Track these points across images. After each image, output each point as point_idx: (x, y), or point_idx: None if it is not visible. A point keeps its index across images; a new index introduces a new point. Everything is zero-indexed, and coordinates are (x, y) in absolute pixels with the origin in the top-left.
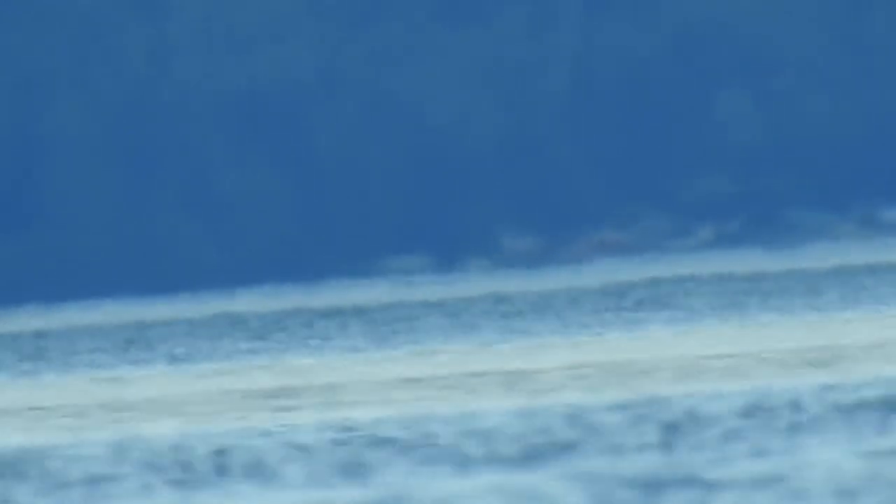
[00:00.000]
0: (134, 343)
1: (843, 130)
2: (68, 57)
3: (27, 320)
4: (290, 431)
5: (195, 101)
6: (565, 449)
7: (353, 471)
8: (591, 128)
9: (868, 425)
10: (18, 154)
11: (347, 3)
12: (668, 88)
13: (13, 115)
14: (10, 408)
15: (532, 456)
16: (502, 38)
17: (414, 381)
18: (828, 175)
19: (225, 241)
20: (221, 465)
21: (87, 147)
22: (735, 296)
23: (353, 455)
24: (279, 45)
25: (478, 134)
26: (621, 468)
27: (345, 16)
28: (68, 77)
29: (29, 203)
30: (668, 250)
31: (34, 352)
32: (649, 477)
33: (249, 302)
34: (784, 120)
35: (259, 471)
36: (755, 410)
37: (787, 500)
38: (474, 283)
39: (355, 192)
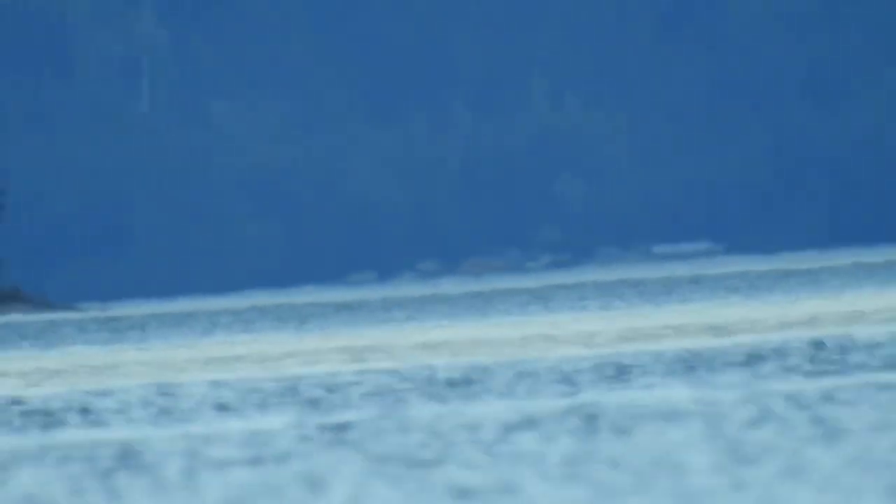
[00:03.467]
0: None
1: (629, 198)
2: (145, 154)
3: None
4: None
5: (227, 179)
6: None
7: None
8: (475, 195)
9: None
10: (121, 206)
11: (315, 119)
12: (523, 168)
13: (116, 186)
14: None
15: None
16: (417, 133)
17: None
18: (622, 225)
19: (239, 265)
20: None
21: (165, 201)
22: (546, 299)
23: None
24: (273, 142)
25: (396, 198)
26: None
27: (315, 119)
28: (152, 170)
29: (126, 231)
30: (521, 271)
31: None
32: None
33: (297, 294)
34: (594, 190)
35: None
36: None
37: None
38: (403, 289)
39: (323, 232)
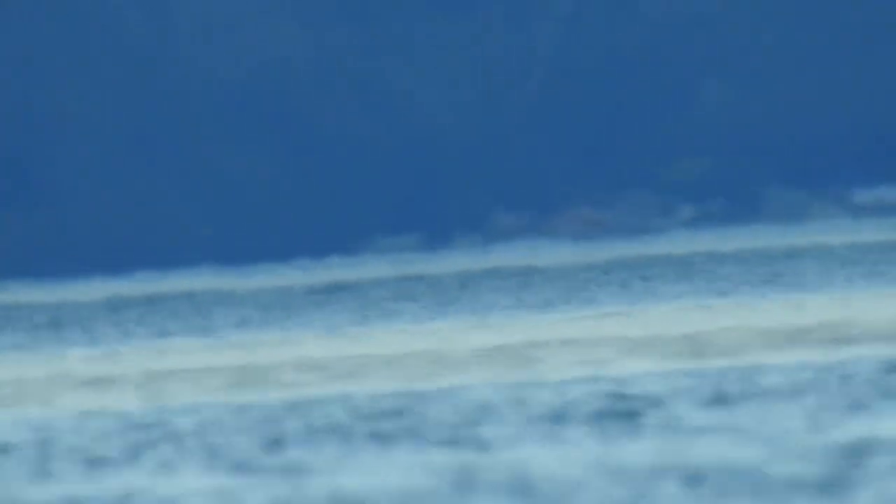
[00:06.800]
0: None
1: (820, 113)
2: (72, 41)
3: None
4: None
5: (195, 84)
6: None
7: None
8: (575, 111)
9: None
10: (23, 135)
11: None
12: (647, 74)
13: (16, 97)
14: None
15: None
16: (491, 27)
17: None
18: (804, 156)
19: (221, 220)
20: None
21: (90, 128)
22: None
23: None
24: (277, 33)
25: (468, 117)
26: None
27: (340, 4)
28: (72, 61)
29: (33, 183)
30: (649, 229)
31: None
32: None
33: (242, 279)
34: (761, 103)
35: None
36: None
37: None
38: (465, 258)
39: (351, 174)
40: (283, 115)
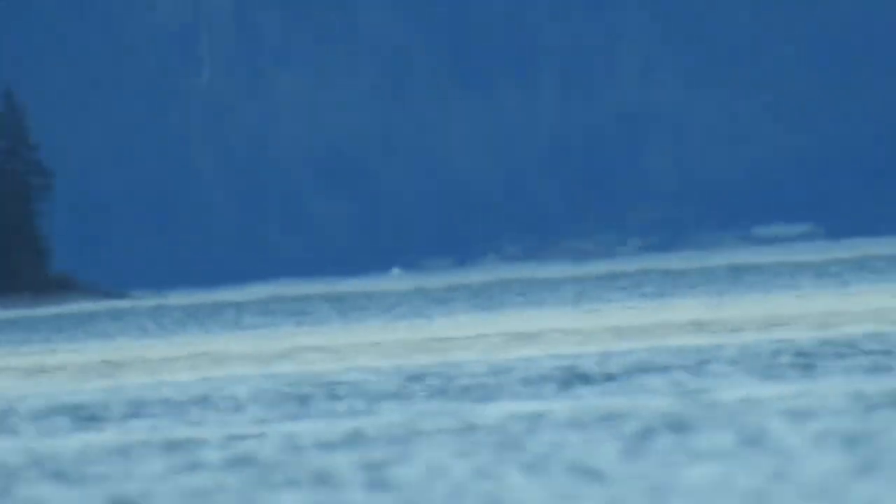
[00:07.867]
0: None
1: (729, 175)
2: (204, 129)
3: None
4: None
5: (294, 155)
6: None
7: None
8: (565, 171)
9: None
10: (178, 195)
11: (396, 87)
12: (613, 149)
13: (170, 170)
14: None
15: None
16: (503, 110)
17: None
18: (720, 205)
19: (306, 248)
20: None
21: (218, 188)
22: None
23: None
24: (350, 117)
25: (489, 175)
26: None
27: (397, 94)
28: (203, 144)
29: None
30: (612, 255)
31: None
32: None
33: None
34: (690, 169)
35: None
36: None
37: None
38: (485, 274)
39: (406, 213)
40: (349, 168)
